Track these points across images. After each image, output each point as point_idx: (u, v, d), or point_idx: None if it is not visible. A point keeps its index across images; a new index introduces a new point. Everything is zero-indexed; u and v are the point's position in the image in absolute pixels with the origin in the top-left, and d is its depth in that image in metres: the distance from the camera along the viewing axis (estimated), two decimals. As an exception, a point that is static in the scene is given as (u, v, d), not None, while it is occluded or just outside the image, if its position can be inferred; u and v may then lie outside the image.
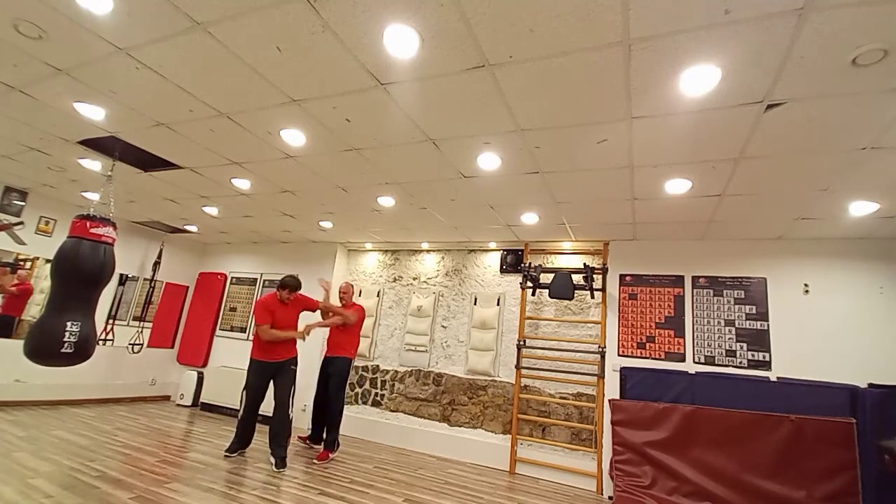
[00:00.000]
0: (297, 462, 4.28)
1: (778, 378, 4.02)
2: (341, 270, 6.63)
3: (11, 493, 2.83)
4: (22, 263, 5.51)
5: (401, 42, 2.13)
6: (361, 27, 2.07)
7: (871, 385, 3.58)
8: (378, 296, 6.30)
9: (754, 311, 4.30)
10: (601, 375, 4.68)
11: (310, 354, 5.60)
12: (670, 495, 3.73)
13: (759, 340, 4.22)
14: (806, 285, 4.20)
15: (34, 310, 5.53)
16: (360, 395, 6.00)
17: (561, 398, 4.91)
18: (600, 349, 4.74)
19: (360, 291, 6.45)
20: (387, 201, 4.47)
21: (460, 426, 5.31)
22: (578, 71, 2.21)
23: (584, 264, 4.93)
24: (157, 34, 2.28)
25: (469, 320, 5.62)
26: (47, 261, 5.53)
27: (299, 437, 4.94)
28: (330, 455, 4.49)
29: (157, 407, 6.45)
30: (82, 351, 3.45)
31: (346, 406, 4.99)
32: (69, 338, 3.34)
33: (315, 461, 4.34)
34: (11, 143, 4.00)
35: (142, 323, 6.75)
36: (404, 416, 5.64)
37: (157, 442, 4.51)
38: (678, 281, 4.64)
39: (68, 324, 3.36)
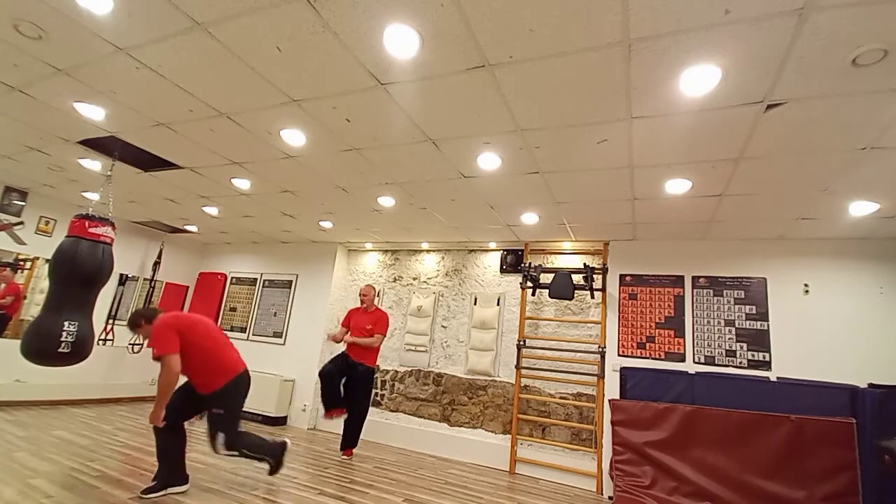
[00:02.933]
0: (296, 462, 4.28)
1: (778, 378, 4.02)
2: (341, 270, 6.64)
3: (11, 493, 2.83)
4: (22, 263, 5.51)
5: (401, 42, 2.13)
6: (361, 27, 2.07)
7: (871, 385, 3.58)
8: (378, 296, 6.30)
9: (754, 311, 4.30)
10: (601, 375, 4.68)
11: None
12: (670, 495, 3.73)
13: (759, 340, 4.22)
14: (806, 285, 4.20)
15: (34, 310, 5.53)
16: (360, 395, 5.99)
17: (561, 398, 4.91)
18: (600, 349, 4.74)
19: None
20: (387, 201, 4.47)
21: (460, 426, 5.31)
22: (578, 71, 2.21)
23: (584, 264, 4.94)
24: (157, 34, 2.28)
25: (469, 320, 5.61)
26: (47, 261, 5.53)
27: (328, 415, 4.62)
28: (353, 451, 4.77)
29: (157, 407, 6.43)
30: (80, 351, 3.45)
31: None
32: (66, 338, 3.34)
33: (343, 456, 4.66)
34: (11, 143, 4.00)
35: (142, 323, 6.74)
36: (404, 416, 5.64)
37: (157, 442, 4.51)
38: (678, 281, 4.64)
39: (66, 324, 3.35)
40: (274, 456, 3.43)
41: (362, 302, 4.87)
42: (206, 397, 3.11)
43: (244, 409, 3.44)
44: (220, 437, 3.08)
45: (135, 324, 3.16)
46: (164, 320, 3.03)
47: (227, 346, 3.33)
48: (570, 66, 2.18)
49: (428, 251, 6.23)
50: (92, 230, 3.54)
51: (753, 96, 2.26)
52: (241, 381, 3.24)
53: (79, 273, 3.47)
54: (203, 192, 4.85)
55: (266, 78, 2.56)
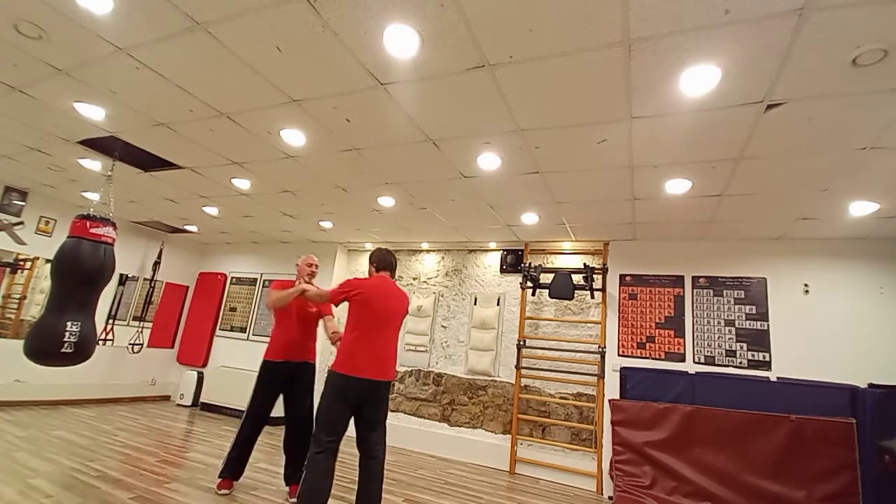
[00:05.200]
0: (297, 462, 4.29)
1: (778, 378, 4.02)
2: (341, 270, 6.63)
3: (11, 493, 2.83)
4: (22, 263, 5.51)
5: (401, 42, 2.13)
6: (361, 27, 2.07)
7: (871, 385, 3.58)
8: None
9: (754, 311, 4.30)
10: (601, 375, 4.68)
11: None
12: (670, 495, 3.73)
13: (759, 340, 4.22)
14: (806, 285, 4.20)
15: (34, 309, 5.53)
16: (360, 395, 5.99)
17: (561, 398, 4.91)
18: (600, 349, 4.74)
19: None
20: (387, 201, 4.47)
21: (460, 426, 5.31)
22: (578, 71, 2.21)
23: (584, 264, 4.94)
24: (157, 34, 2.28)
25: (469, 320, 5.61)
26: (47, 261, 5.54)
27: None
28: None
29: (157, 407, 6.45)
30: (82, 351, 3.45)
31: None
32: (69, 338, 3.35)
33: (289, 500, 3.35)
34: (11, 143, 4.00)
35: (142, 323, 6.75)
36: (404, 416, 5.64)
37: (157, 442, 4.51)
38: (678, 281, 4.64)
39: (68, 324, 3.36)
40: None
41: (312, 276, 3.67)
42: None
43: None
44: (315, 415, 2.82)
45: (370, 258, 3.16)
46: (354, 280, 2.95)
47: (374, 346, 2.82)
48: (570, 66, 2.18)
49: (428, 251, 6.23)
50: (93, 231, 3.54)
51: (753, 96, 2.26)
52: (342, 382, 2.73)
53: (81, 273, 3.47)
54: (203, 192, 4.85)
55: (266, 78, 2.56)
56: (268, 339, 3.52)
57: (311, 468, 2.69)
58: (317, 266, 3.69)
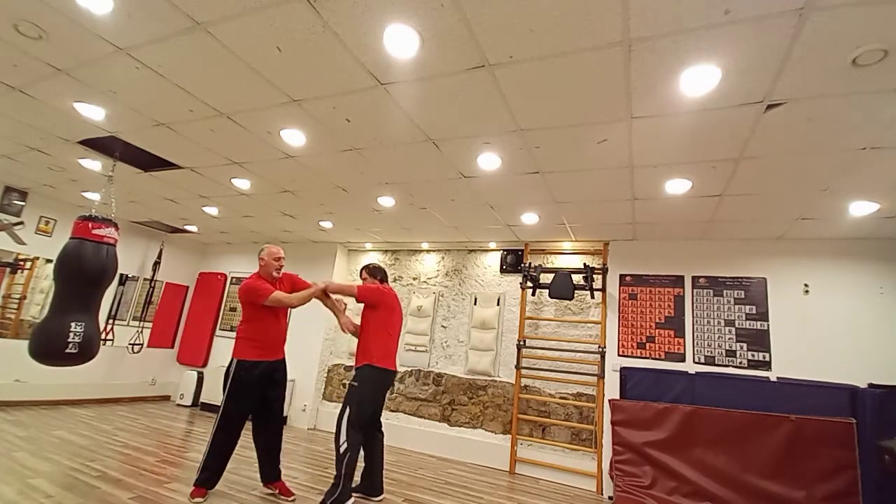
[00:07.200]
0: (296, 462, 4.28)
1: (778, 378, 4.02)
2: (341, 270, 6.64)
3: (11, 493, 2.83)
4: (22, 263, 5.52)
5: (401, 42, 2.13)
6: (361, 27, 2.07)
7: (871, 385, 3.58)
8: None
9: (754, 311, 4.30)
10: (601, 375, 4.68)
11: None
12: (670, 495, 3.73)
13: (759, 340, 4.22)
14: (806, 285, 4.20)
15: (34, 310, 5.53)
16: (360, 395, 5.99)
17: (561, 398, 4.91)
18: (600, 349, 4.74)
19: None
20: (387, 201, 4.47)
21: (460, 426, 5.31)
22: (578, 71, 2.21)
23: (584, 264, 4.94)
24: (157, 34, 2.28)
25: (469, 320, 5.62)
26: (47, 261, 5.55)
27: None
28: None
29: (157, 407, 6.45)
30: (86, 351, 3.47)
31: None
32: (73, 338, 3.37)
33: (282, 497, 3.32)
34: (11, 143, 4.00)
35: (142, 323, 6.75)
36: (404, 416, 5.64)
37: (157, 442, 4.51)
38: (678, 281, 4.64)
39: (72, 324, 3.38)
40: (344, 487, 3.07)
41: (278, 271, 3.46)
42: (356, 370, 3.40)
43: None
44: (347, 410, 3.21)
45: (368, 271, 3.66)
46: (379, 287, 3.54)
47: (393, 343, 3.53)
48: (570, 66, 2.18)
49: (428, 251, 6.23)
50: (96, 232, 3.55)
51: (753, 96, 2.26)
52: (382, 375, 3.36)
53: (83, 274, 3.48)
54: (203, 192, 4.85)
55: (266, 78, 2.56)
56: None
57: (353, 447, 3.15)
58: (283, 259, 3.50)
